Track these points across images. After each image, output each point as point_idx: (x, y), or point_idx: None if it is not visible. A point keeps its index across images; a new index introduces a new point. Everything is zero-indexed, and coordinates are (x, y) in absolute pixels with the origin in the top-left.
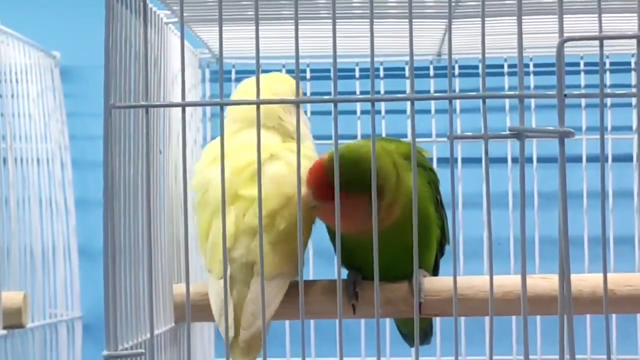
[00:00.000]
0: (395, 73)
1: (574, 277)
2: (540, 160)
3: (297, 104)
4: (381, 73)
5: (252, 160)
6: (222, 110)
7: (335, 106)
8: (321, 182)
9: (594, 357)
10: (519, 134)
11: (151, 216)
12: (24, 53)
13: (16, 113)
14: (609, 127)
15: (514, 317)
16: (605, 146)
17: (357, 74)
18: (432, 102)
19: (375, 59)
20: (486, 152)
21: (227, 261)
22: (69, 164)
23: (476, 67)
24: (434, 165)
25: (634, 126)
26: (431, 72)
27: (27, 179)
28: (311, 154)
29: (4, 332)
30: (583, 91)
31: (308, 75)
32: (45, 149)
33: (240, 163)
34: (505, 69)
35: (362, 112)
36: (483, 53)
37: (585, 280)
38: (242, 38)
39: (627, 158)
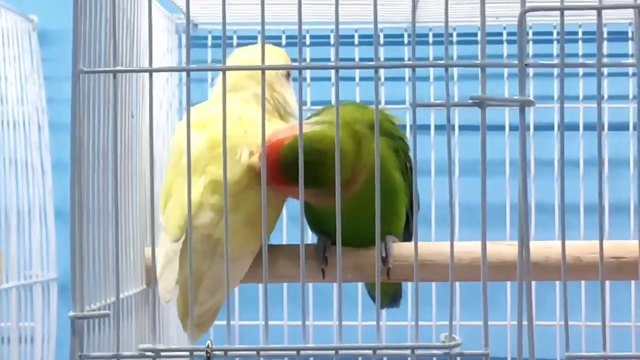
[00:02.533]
0: (369, 40)
1: (542, 244)
2: (513, 128)
3: (262, 70)
4: (356, 40)
5: (228, 135)
6: (188, 76)
7: (300, 73)
8: (271, 166)
9: (563, 323)
10: (481, 103)
11: (118, 179)
12: (0, 16)
13: None
14: (581, 96)
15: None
16: (576, 115)
17: (331, 40)
18: (406, 69)
19: (351, 26)
20: (448, 120)
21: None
22: (46, 126)
23: (450, 34)
24: (407, 131)
25: (606, 95)
26: (405, 40)
27: (3, 141)
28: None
29: None
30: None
31: (283, 41)
32: (22, 112)
33: (216, 135)
34: (479, 38)
35: (342, 79)
36: (446, 23)
37: (552, 247)
38: (218, 4)
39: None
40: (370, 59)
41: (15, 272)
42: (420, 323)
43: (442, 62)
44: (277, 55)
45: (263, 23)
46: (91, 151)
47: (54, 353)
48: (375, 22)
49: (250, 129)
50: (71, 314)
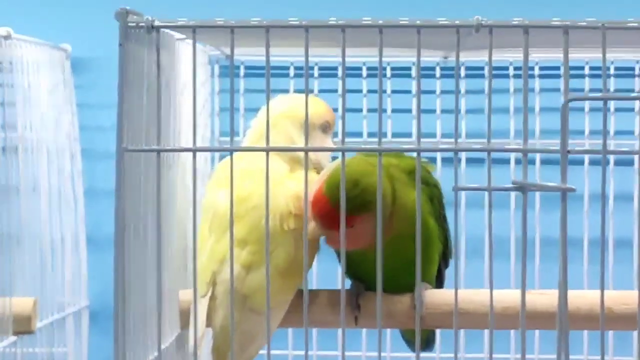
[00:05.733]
0: (403, 72)
1: (573, 294)
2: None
3: (305, 151)
4: (388, 73)
5: (252, 192)
6: (232, 156)
7: (343, 155)
8: (326, 211)
9: (591, 358)
10: (522, 188)
11: (160, 246)
12: (35, 50)
13: (26, 104)
14: (612, 132)
15: None
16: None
17: (364, 72)
18: (438, 102)
19: (383, 58)
20: (490, 205)
21: (214, 284)
22: (79, 154)
23: (482, 68)
24: (438, 167)
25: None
26: (437, 73)
27: (38, 169)
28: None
29: (13, 338)
30: (588, 94)
31: (316, 73)
32: (55, 140)
33: (241, 193)
34: (511, 72)
35: (369, 111)
36: (489, 104)
37: (583, 297)
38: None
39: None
40: (404, 92)
41: (48, 300)
42: (449, 355)
43: (484, 147)
44: (317, 108)
45: (307, 78)
46: (133, 216)
47: None
48: (419, 100)
49: (276, 189)
50: None
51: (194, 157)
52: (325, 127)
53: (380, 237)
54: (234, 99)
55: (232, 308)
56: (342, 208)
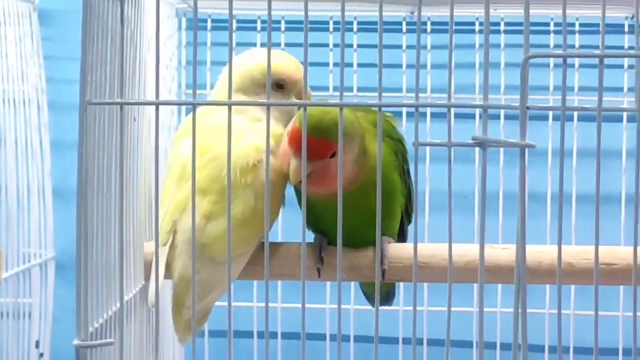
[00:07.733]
0: (369, 27)
1: (534, 248)
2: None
3: (267, 106)
4: (354, 27)
5: (213, 144)
6: (194, 110)
7: (305, 109)
8: (310, 142)
9: (552, 312)
10: (482, 144)
11: (123, 189)
12: (2, 1)
13: None
14: (576, 88)
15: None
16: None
17: (330, 27)
18: (404, 57)
19: (349, 13)
20: (449, 160)
21: (174, 232)
22: (45, 106)
23: (448, 23)
24: (404, 122)
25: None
26: (404, 28)
27: (3, 120)
28: (277, 134)
29: None
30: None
31: (282, 27)
32: (22, 91)
33: (203, 145)
34: (477, 27)
35: (334, 65)
36: (450, 59)
37: (545, 252)
38: None
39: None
40: (371, 46)
41: (14, 251)
42: (411, 308)
43: (446, 102)
44: (285, 66)
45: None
46: (96, 168)
47: (51, 329)
48: (380, 59)
49: (237, 142)
50: (75, 342)
51: (157, 110)
52: (279, 85)
53: (341, 190)
54: (196, 53)
55: (193, 257)
56: (303, 159)
